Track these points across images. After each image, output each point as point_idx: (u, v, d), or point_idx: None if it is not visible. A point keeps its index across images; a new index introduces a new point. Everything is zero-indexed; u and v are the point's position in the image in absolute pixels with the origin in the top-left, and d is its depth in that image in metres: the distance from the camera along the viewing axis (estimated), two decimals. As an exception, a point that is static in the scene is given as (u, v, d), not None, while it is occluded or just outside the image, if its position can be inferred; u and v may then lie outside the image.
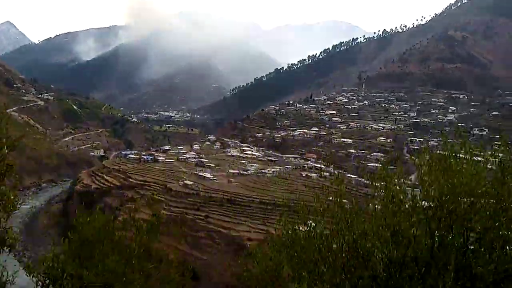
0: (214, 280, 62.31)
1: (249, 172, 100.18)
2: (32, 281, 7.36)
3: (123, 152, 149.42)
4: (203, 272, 64.04)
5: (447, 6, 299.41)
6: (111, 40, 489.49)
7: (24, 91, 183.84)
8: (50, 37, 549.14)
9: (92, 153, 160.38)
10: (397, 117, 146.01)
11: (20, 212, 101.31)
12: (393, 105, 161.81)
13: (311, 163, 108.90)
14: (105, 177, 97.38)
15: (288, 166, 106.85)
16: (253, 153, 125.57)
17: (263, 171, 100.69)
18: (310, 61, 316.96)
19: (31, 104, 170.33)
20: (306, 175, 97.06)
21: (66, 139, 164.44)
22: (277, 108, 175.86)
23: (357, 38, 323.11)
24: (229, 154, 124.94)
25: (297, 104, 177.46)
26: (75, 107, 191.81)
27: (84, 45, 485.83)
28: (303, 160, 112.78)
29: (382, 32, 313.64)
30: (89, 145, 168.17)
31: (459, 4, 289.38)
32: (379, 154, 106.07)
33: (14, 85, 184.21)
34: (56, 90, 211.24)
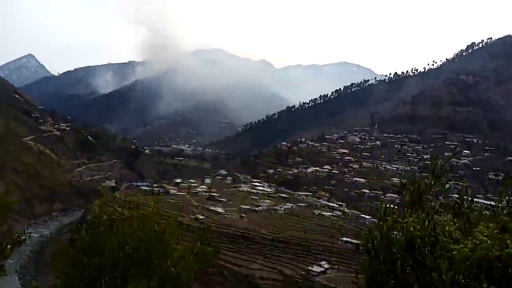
0: (224, 319, 60.41)
1: (260, 208, 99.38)
2: None
3: (134, 184, 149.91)
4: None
5: (458, 52, 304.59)
6: (129, 75, 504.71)
7: (41, 121, 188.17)
8: (70, 70, 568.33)
9: (104, 184, 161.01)
10: (410, 159, 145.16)
11: (30, 241, 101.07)
12: (405, 147, 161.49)
13: (323, 202, 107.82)
14: (117, 208, 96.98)
15: (300, 204, 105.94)
16: (265, 189, 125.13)
17: (275, 207, 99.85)
18: (321, 101, 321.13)
19: (48, 134, 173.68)
20: (319, 213, 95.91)
21: (80, 169, 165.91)
22: (289, 145, 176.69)
23: (368, 80, 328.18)
24: (241, 189, 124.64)
25: (309, 142, 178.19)
26: (90, 138, 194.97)
27: (102, 79, 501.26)
28: (315, 198, 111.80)
29: (394, 75, 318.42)
30: (101, 176, 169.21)
31: (470, 51, 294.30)
32: (393, 195, 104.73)
33: (32, 115, 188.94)
34: (73, 121, 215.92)
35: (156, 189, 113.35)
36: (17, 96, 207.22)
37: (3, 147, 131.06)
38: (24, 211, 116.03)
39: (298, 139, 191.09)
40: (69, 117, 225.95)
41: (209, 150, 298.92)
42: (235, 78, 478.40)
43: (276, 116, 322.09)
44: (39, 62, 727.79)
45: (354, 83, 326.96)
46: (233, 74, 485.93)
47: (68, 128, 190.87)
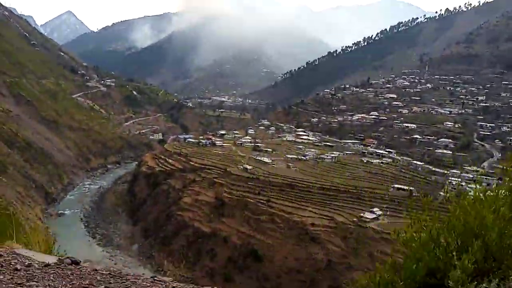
0: (277, 263, 62.40)
1: (307, 157, 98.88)
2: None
3: (180, 136, 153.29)
4: (266, 255, 64.43)
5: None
6: (165, 27, 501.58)
7: (87, 77, 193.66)
8: (108, 26, 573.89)
9: (151, 137, 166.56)
10: (464, 101, 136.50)
11: (90, 192, 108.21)
12: (459, 89, 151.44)
13: (371, 149, 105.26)
14: (168, 160, 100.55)
15: (347, 152, 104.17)
16: (309, 138, 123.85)
17: (322, 156, 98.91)
18: (365, 43, 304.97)
19: (95, 90, 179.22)
20: (367, 161, 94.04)
21: (127, 123, 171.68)
22: (333, 92, 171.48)
23: (417, 18, 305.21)
24: (285, 139, 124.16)
25: (354, 88, 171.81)
26: (134, 92, 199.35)
27: (140, 32, 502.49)
28: (362, 146, 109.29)
29: (445, 11, 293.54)
30: (148, 129, 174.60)
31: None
32: (447, 140, 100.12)
33: (79, 72, 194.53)
34: (117, 76, 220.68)
35: (203, 141, 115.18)
36: (62, 54, 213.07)
37: (57, 104, 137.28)
38: (82, 165, 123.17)
39: (342, 86, 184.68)
40: (113, 72, 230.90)
41: (249, 101, 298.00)
42: (273, 24, 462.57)
43: (317, 63, 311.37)
44: (78, 19, 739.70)
45: (401, 22, 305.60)
46: (271, 21, 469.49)
47: (113, 84, 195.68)
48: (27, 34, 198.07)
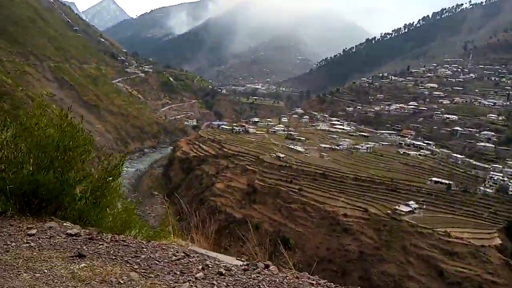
0: (308, 252, 62.48)
1: (341, 147, 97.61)
2: None
3: (213, 123, 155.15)
4: (297, 243, 64.62)
5: None
6: (202, 13, 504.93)
7: (127, 63, 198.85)
8: (146, 12, 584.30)
9: (186, 123, 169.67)
10: (510, 92, 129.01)
11: (128, 174, 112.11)
12: (504, 79, 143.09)
13: (409, 140, 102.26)
14: (202, 146, 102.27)
15: (383, 143, 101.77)
16: (344, 127, 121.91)
17: (356, 146, 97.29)
18: (406, 30, 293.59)
19: (134, 76, 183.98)
20: (404, 152, 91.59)
21: (164, 109, 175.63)
22: (370, 81, 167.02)
23: (461, 4, 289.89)
24: (319, 128, 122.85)
25: (392, 77, 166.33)
26: (171, 79, 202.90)
27: (177, 19, 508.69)
28: (399, 137, 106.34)
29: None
30: (183, 115, 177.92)
31: None
32: (489, 132, 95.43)
33: (119, 58, 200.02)
34: (154, 63, 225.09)
35: (236, 128, 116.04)
36: (103, 40, 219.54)
37: (98, 89, 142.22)
38: (120, 149, 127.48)
39: (380, 74, 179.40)
40: (150, 59, 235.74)
41: (283, 89, 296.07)
42: (309, 10, 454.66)
43: (354, 50, 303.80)
44: (118, 5, 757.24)
45: (445, 9, 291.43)
46: (306, 6, 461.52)
47: (151, 70, 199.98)
48: (69, 21, 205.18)
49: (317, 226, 64.79)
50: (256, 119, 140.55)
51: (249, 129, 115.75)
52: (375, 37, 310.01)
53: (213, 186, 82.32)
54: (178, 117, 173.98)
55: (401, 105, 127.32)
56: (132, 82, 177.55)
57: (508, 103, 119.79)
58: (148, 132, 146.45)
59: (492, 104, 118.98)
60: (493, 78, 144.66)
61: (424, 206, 64.90)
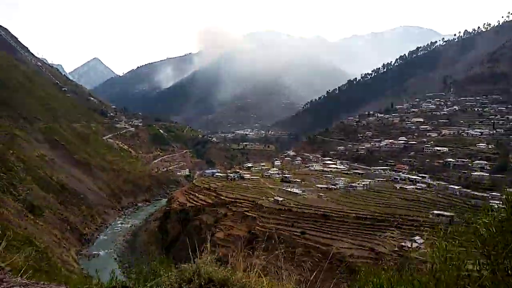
0: (318, 298, 60.20)
1: (337, 186, 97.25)
2: None
3: (206, 171, 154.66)
4: (305, 289, 62.29)
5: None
6: (187, 67, 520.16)
7: (116, 119, 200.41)
8: (133, 69, 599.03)
9: (178, 173, 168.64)
10: (494, 121, 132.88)
11: (122, 231, 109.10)
12: (487, 109, 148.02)
13: (403, 175, 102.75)
14: (197, 195, 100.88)
15: (379, 179, 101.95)
16: (337, 166, 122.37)
17: (353, 184, 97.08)
18: (385, 70, 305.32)
19: (124, 131, 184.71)
20: (401, 187, 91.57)
21: (156, 161, 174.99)
22: (357, 119, 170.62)
23: (435, 42, 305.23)
24: (312, 168, 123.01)
25: (378, 114, 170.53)
26: (161, 131, 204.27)
27: (163, 74, 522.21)
28: (394, 172, 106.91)
29: (464, 33, 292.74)
30: (175, 166, 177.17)
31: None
32: (482, 161, 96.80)
33: (108, 115, 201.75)
34: (144, 116, 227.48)
35: (231, 174, 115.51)
36: (91, 98, 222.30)
37: (89, 147, 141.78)
38: (113, 205, 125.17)
39: (366, 112, 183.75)
40: (140, 113, 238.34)
41: (272, 132, 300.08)
42: (291, 57, 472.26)
43: (337, 91, 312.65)
44: (104, 65, 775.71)
45: (420, 47, 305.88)
46: (288, 54, 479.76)
47: (140, 124, 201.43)
48: (58, 82, 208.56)
49: (324, 270, 62.69)
50: (249, 164, 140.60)
51: (244, 175, 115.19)
52: (356, 78, 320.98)
53: (212, 236, 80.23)
54: (170, 168, 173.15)
55: (391, 140, 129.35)
56: (122, 137, 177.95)
57: (494, 131, 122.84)
58: (141, 185, 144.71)
59: (479, 133, 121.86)
60: (476, 109, 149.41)
61: (431, 242, 63.87)
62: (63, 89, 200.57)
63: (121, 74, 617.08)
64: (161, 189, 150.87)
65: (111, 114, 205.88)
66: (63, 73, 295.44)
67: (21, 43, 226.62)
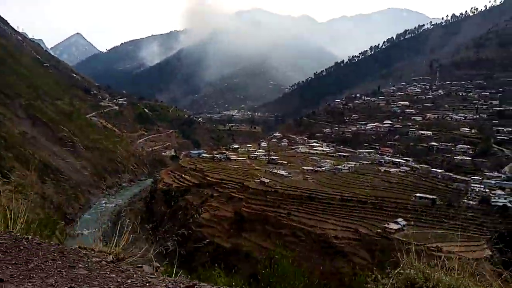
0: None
1: (323, 168, 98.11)
2: None
3: (192, 152, 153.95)
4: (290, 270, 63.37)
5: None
6: (173, 44, 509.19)
7: (100, 97, 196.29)
8: (116, 46, 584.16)
9: (164, 153, 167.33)
10: (478, 106, 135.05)
11: (107, 211, 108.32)
12: (471, 94, 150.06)
13: (388, 158, 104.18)
14: (184, 176, 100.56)
15: (364, 162, 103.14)
16: (323, 149, 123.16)
17: (338, 167, 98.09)
18: (372, 52, 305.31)
19: (108, 109, 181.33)
20: (385, 170, 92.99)
21: (140, 140, 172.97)
22: (344, 102, 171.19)
23: (423, 25, 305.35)
24: (299, 150, 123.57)
25: (364, 97, 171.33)
26: (146, 110, 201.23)
27: (148, 51, 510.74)
28: (378, 155, 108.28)
29: (451, 17, 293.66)
30: (160, 146, 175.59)
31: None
32: (465, 146, 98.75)
33: (92, 92, 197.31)
34: (128, 95, 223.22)
35: (217, 155, 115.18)
36: (74, 75, 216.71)
37: (72, 125, 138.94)
38: (97, 184, 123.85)
39: (353, 95, 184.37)
40: (124, 91, 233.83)
41: (258, 114, 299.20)
42: (278, 37, 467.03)
43: (324, 73, 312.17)
44: (87, 40, 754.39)
45: (407, 30, 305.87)
46: (276, 33, 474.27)
47: (125, 103, 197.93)
48: (39, 57, 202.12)
49: (309, 250, 63.92)
50: (236, 146, 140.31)
51: (230, 156, 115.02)
52: (343, 60, 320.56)
53: (199, 216, 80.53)
54: (156, 148, 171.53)
55: (376, 124, 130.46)
56: (106, 116, 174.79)
57: (477, 116, 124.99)
58: (125, 165, 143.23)
59: (463, 118, 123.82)
60: (460, 94, 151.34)
61: (412, 223, 65.46)
62: (45, 65, 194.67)
63: (104, 51, 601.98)
64: (146, 169, 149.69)
65: (95, 91, 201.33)
66: (44, 49, 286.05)
67: (0, 16, 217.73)
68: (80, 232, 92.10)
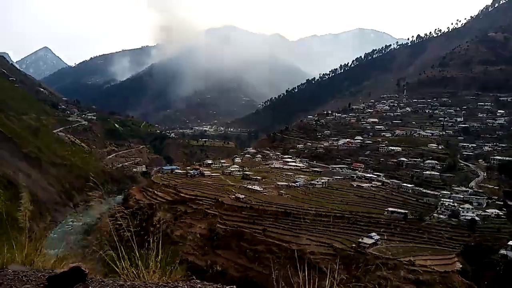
0: (278, 295, 60.62)
1: (298, 183, 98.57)
2: None
3: (164, 168, 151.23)
4: (266, 287, 62.58)
5: (483, 8, 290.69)
6: (145, 60, 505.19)
7: (68, 112, 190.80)
8: (86, 60, 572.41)
9: (135, 169, 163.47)
10: (444, 123, 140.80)
11: (74, 230, 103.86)
12: (437, 111, 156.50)
13: (360, 173, 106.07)
14: (157, 192, 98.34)
15: (337, 177, 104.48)
16: (297, 164, 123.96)
17: (312, 182, 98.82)
18: (342, 70, 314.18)
19: (76, 125, 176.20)
20: (357, 185, 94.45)
21: (110, 156, 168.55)
22: (316, 118, 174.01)
23: (390, 45, 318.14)
24: (273, 166, 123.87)
25: (336, 114, 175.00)
26: (116, 125, 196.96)
27: (119, 66, 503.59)
28: (351, 170, 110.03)
29: (416, 37, 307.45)
30: (131, 162, 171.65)
31: (496, 5, 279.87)
32: (433, 161, 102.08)
33: (59, 107, 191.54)
34: (98, 110, 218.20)
35: (191, 171, 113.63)
36: (42, 89, 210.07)
37: (39, 140, 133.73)
38: (64, 202, 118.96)
39: (324, 112, 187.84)
40: (93, 106, 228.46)
41: (232, 129, 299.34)
42: (250, 54, 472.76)
43: (296, 90, 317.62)
44: (55, 54, 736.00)
45: (375, 49, 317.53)
46: (248, 50, 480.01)
47: (95, 118, 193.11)
48: (5, 71, 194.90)
49: (285, 267, 63.32)
50: (210, 161, 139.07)
51: (204, 172, 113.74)
52: (314, 78, 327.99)
53: (172, 233, 78.50)
54: (126, 164, 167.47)
55: (348, 139, 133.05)
56: (75, 131, 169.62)
57: (444, 133, 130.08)
58: (94, 182, 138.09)
59: (430, 134, 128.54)
60: (427, 111, 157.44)
61: (386, 237, 66.43)
62: (11, 78, 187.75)
63: (73, 65, 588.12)
64: (116, 186, 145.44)
65: (63, 106, 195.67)
66: (10, 62, 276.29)
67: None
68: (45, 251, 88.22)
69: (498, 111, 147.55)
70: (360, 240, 65.10)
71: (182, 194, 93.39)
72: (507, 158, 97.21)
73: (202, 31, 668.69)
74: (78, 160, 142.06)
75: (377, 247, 64.16)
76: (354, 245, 64.13)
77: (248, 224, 75.14)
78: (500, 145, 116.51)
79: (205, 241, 75.52)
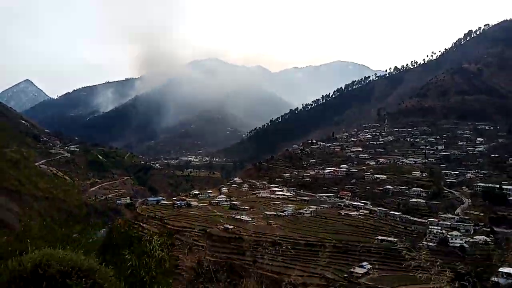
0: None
1: (286, 213, 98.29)
2: None
3: (149, 199, 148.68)
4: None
5: (457, 40, 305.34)
6: (128, 91, 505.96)
7: (50, 144, 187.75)
8: (69, 92, 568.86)
9: (118, 201, 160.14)
10: (426, 151, 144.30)
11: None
12: (418, 139, 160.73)
13: (347, 201, 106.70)
14: (142, 224, 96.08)
15: (324, 205, 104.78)
16: (284, 193, 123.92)
17: (301, 211, 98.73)
18: (324, 101, 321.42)
19: (59, 157, 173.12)
20: (345, 213, 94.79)
21: (93, 188, 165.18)
22: (301, 147, 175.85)
23: (369, 77, 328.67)
24: (260, 195, 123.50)
25: (320, 143, 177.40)
26: (100, 157, 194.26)
27: (103, 97, 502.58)
28: (338, 198, 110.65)
29: (394, 69, 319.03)
30: (115, 194, 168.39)
31: (468, 39, 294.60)
32: (418, 189, 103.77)
33: (41, 139, 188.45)
34: (81, 141, 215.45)
35: (177, 202, 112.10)
36: (23, 121, 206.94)
37: (19, 173, 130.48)
38: (46, 237, 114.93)
39: (309, 141, 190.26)
40: (76, 138, 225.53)
41: (217, 159, 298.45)
42: (233, 85, 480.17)
43: (280, 120, 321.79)
44: (36, 87, 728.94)
45: (355, 81, 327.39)
46: (231, 82, 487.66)
47: (78, 149, 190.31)
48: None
49: (277, 298, 62.14)
50: (196, 192, 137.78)
51: (191, 203, 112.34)
52: (297, 108, 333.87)
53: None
54: (110, 196, 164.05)
55: (334, 168, 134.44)
56: (57, 164, 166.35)
57: (426, 160, 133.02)
58: (76, 215, 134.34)
59: (413, 162, 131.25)
60: (408, 139, 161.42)
61: (377, 266, 66.20)
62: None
63: (55, 97, 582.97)
64: (99, 219, 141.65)
65: (45, 138, 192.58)
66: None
67: None
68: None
69: (478, 139, 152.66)
70: (351, 269, 64.79)
71: (169, 226, 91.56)
72: (490, 185, 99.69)
73: (186, 63, 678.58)
74: (60, 193, 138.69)
75: (369, 276, 63.87)
76: (346, 275, 63.71)
77: (237, 255, 73.92)
78: (482, 172, 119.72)
79: (193, 275, 73.69)
